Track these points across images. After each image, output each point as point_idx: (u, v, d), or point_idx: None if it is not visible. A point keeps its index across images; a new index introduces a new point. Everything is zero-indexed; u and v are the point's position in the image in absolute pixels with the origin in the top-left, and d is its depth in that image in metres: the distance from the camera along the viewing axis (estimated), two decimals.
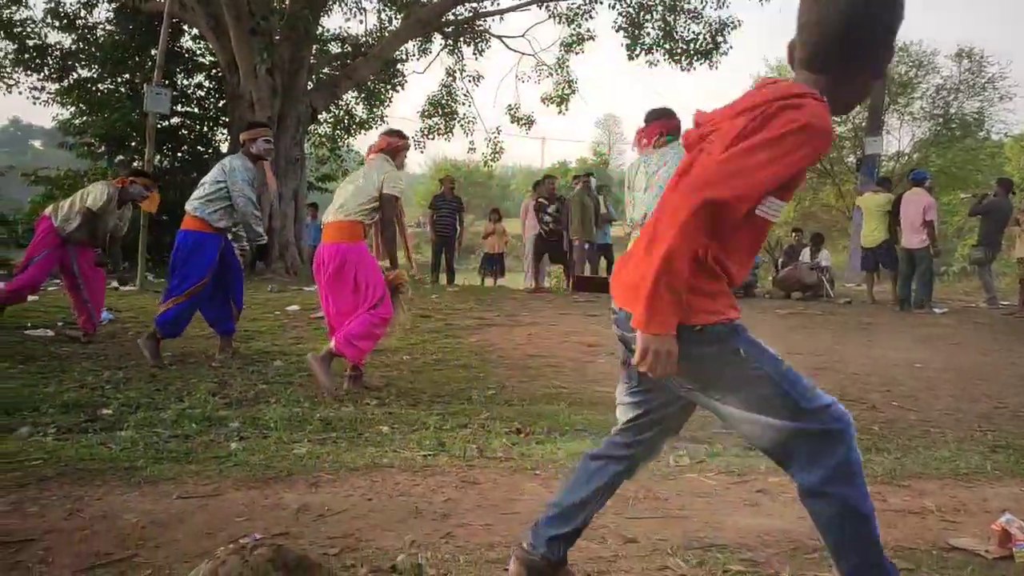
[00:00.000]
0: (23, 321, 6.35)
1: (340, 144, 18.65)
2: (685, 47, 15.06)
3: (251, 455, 3.13)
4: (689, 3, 14.89)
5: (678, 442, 3.58)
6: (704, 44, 15.02)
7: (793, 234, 11.89)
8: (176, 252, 5.18)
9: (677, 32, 15.15)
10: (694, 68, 15.13)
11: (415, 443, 3.41)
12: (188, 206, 5.20)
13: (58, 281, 6.27)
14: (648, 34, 15.37)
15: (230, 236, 5.40)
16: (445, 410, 4.19)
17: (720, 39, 15.00)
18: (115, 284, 9.43)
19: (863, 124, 23.25)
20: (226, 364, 5.19)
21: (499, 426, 3.84)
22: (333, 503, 2.54)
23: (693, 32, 15.10)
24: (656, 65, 15.60)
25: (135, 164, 12.68)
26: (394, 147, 4.76)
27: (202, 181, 5.30)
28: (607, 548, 2.20)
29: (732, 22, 14.95)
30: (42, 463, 2.91)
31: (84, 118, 14.05)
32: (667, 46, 15.23)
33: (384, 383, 4.82)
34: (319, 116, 14.84)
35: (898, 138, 26.17)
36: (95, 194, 5.92)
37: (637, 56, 15.48)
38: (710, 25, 14.94)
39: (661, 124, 4.56)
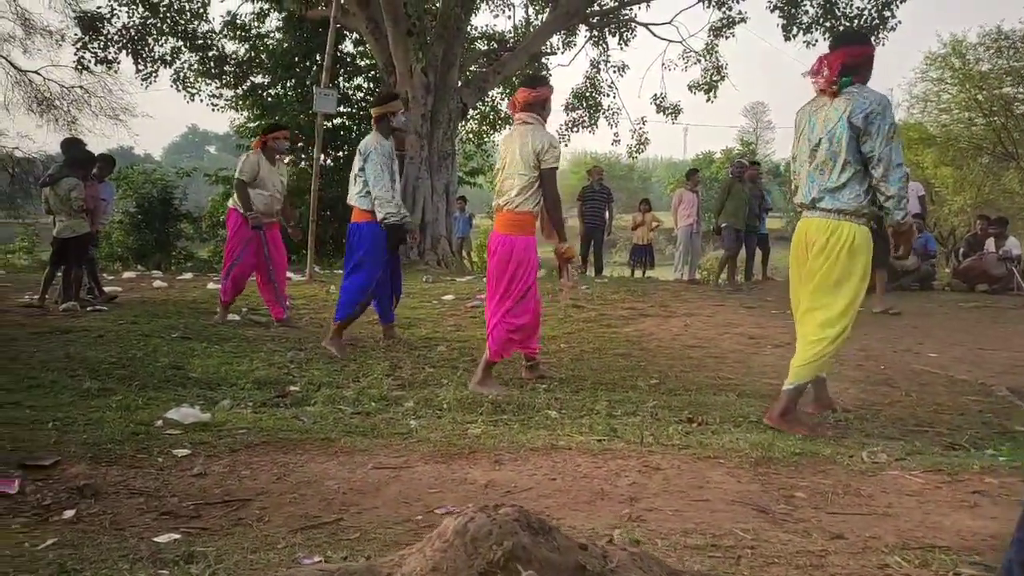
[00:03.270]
0: (214, 307, 6.88)
1: (487, 139, 19.05)
2: (848, 23, 14.10)
3: (430, 432, 3.22)
4: None
5: (869, 438, 3.35)
6: (869, 19, 14.01)
7: (977, 222, 10.82)
8: (350, 245, 5.31)
9: (839, 8, 14.22)
10: None
11: (587, 428, 3.39)
12: (350, 200, 5.29)
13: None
14: (806, 12, 14.54)
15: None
16: (610, 397, 4.14)
17: (887, 13, 13.93)
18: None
19: None
20: (393, 348, 5.41)
21: (668, 415, 3.75)
22: (518, 481, 2.57)
23: (856, 8, 14.11)
24: (814, 45, 14.71)
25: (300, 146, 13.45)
26: (539, 98, 4.30)
27: (354, 173, 5.27)
28: (813, 543, 2.07)
29: None
30: (247, 432, 3.14)
31: (257, 122, 15.17)
32: (827, 24, 14.32)
33: (547, 370, 4.84)
34: (468, 112, 15.20)
35: None
36: (240, 166, 6.20)
37: (794, 36, 14.69)
38: None
39: (845, 53, 3.37)
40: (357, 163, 5.20)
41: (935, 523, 2.23)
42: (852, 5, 14.14)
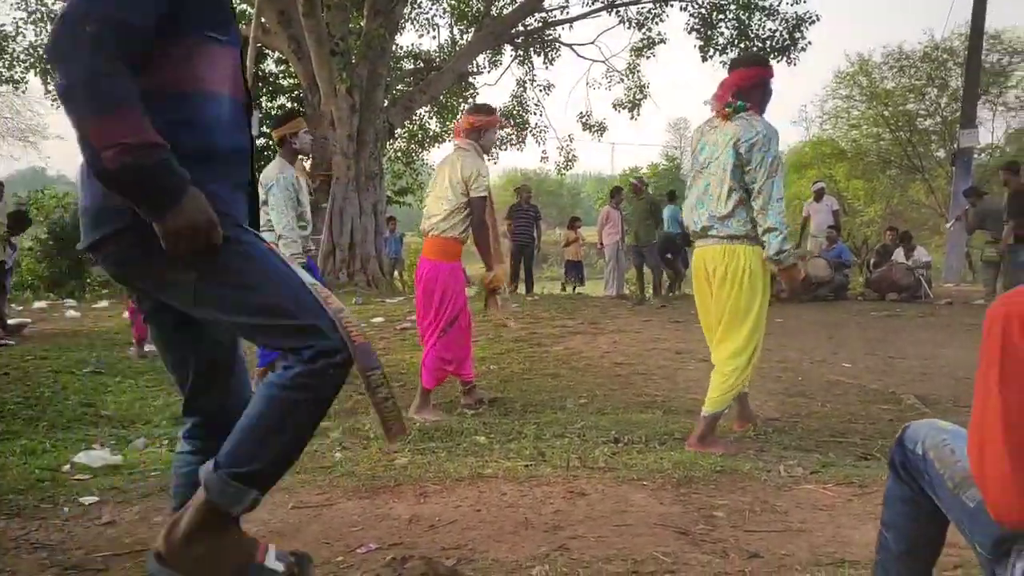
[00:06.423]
0: (129, 339, 6.60)
1: (415, 158, 19.00)
2: (761, 45, 14.70)
3: (356, 465, 3.16)
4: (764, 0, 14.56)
5: (787, 451, 3.45)
6: (781, 41, 14.64)
7: (887, 233, 11.39)
8: None
9: (752, 30, 14.82)
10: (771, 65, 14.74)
11: (514, 453, 3.39)
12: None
13: None
14: (722, 34, 15.11)
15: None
16: (539, 419, 4.16)
17: (798, 35, 14.60)
18: None
19: (950, 117, 22.17)
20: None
21: (596, 435, 3.78)
22: (443, 513, 2.54)
23: (769, 29, 14.75)
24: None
25: None
26: (479, 125, 4.36)
27: (261, 205, 4.68)
28: (730, 563, 2.11)
29: (810, 17, 14.54)
30: (160, 474, 3.02)
31: None
32: (742, 45, 14.91)
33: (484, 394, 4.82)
34: (395, 131, 15.13)
35: (991, 130, 24.92)
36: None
37: (711, 57, 15.21)
38: (787, 21, 14.57)
39: (738, 75, 3.44)
40: (261, 195, 4.78)
41: (846, 537, 2.31)
42: (765, 26, 14.76)
